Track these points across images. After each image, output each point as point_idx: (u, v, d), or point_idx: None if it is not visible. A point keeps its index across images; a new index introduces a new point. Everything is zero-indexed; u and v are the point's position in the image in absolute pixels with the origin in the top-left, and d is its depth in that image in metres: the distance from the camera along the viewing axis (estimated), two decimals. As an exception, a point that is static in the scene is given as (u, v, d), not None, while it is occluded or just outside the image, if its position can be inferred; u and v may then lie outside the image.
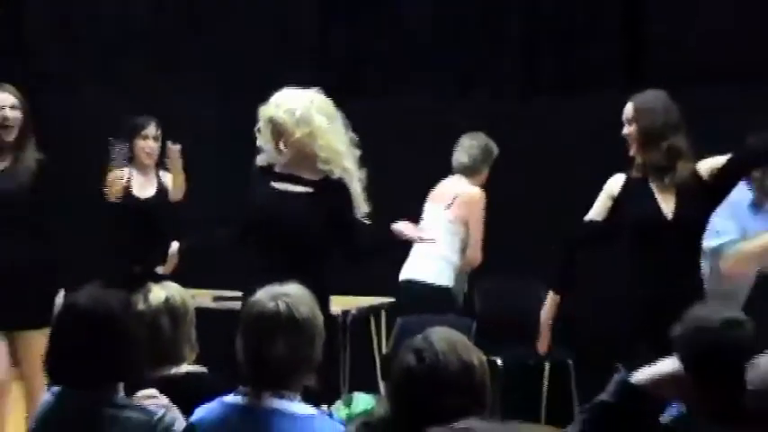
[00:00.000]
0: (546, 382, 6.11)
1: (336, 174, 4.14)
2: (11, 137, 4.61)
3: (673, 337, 2.69)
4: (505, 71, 6.73)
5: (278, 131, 4.13)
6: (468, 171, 5.81)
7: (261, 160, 4.23)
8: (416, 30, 6.91)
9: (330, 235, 4.13)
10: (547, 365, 6.05)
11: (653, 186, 4.13)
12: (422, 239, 4.42)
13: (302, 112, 4.10)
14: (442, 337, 2.53)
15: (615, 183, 4.22)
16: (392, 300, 6.11)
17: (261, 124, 4.19)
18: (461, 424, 2.24)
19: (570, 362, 5.98)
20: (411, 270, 5.80)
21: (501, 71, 6.75)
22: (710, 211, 4.13)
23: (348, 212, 4.17)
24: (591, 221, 4.25)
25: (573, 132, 6.16)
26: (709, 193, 4.09)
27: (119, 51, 7.53)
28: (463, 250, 5.76)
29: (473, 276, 6.03)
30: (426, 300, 5.62)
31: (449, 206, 5.75)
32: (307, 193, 4.15)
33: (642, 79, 5.87)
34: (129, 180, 5.66)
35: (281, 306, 2.75)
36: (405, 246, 4.78)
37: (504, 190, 5.82)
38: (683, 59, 6.06)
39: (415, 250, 5.68)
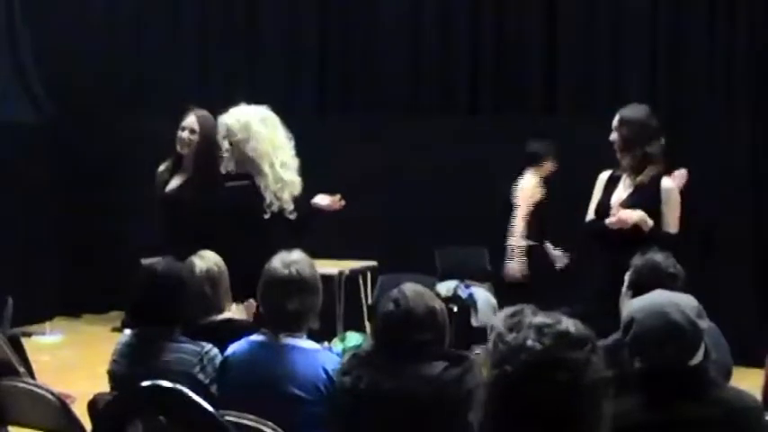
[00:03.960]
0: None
1: (263, 170, 4.85)
2: (185, 150, 5.05)
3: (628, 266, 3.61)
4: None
5: (227, 135, 4.87)
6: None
7: (223, 168, 4.94)
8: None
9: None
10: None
11: (623, 182, 4.79)
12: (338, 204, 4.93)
13: (245, 120, 4.85)
14: (412, 289, 3.12)
15: (602, 177, 4.93)
16: (375, 263, 6.94)
17: (219, 131, 4.91)
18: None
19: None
20: None
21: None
22: (652, 210, 4.68)
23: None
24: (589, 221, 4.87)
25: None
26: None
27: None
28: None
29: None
30: None
31: None
32: (247, 185, 4.87)
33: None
34: None
35: (293, 270, 3.34)
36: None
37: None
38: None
39: None
